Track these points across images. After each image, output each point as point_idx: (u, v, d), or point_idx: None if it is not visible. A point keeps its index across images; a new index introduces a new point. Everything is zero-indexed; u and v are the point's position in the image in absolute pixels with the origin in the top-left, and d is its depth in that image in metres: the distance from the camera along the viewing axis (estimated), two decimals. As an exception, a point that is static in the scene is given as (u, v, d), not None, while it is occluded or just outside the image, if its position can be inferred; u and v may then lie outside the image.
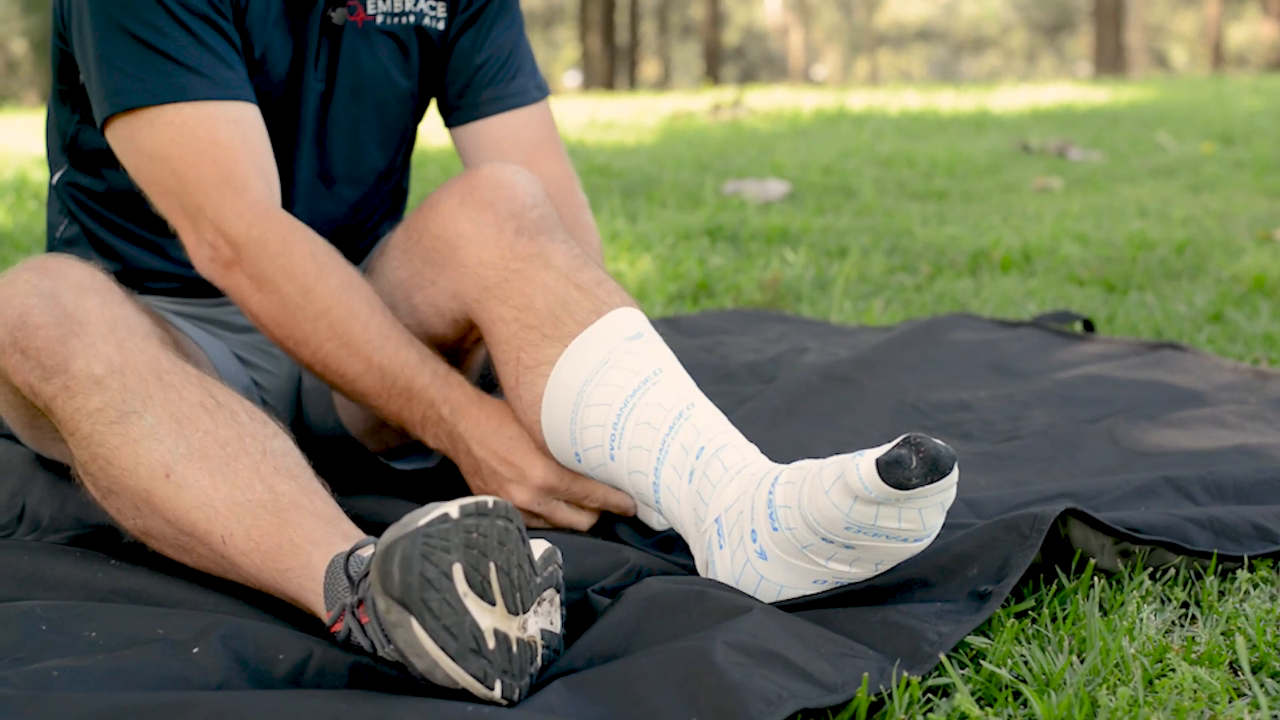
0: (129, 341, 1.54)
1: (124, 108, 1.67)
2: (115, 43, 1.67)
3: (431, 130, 9.33)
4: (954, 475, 1.38)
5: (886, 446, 1.38)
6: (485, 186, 1.74)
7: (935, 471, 1.36)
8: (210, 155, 1.67)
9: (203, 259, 1.70)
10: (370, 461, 1.94)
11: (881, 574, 1.49)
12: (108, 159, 1.83)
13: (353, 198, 1.95)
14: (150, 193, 1.72)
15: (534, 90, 2.01)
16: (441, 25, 1.92)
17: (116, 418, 1.48)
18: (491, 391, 2.09)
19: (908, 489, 1.36)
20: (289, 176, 1.86)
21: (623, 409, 1.59)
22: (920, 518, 1.41)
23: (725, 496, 1.52)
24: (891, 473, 1.36)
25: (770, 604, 1.46)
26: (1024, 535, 1.52)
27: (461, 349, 1.88)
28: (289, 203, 1.87)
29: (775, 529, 1.46)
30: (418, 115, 2.01)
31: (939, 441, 1.38)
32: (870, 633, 1.40)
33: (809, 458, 1.52)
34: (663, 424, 1.58)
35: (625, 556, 1.60)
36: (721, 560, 1.51)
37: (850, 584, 1.49)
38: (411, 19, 1.88)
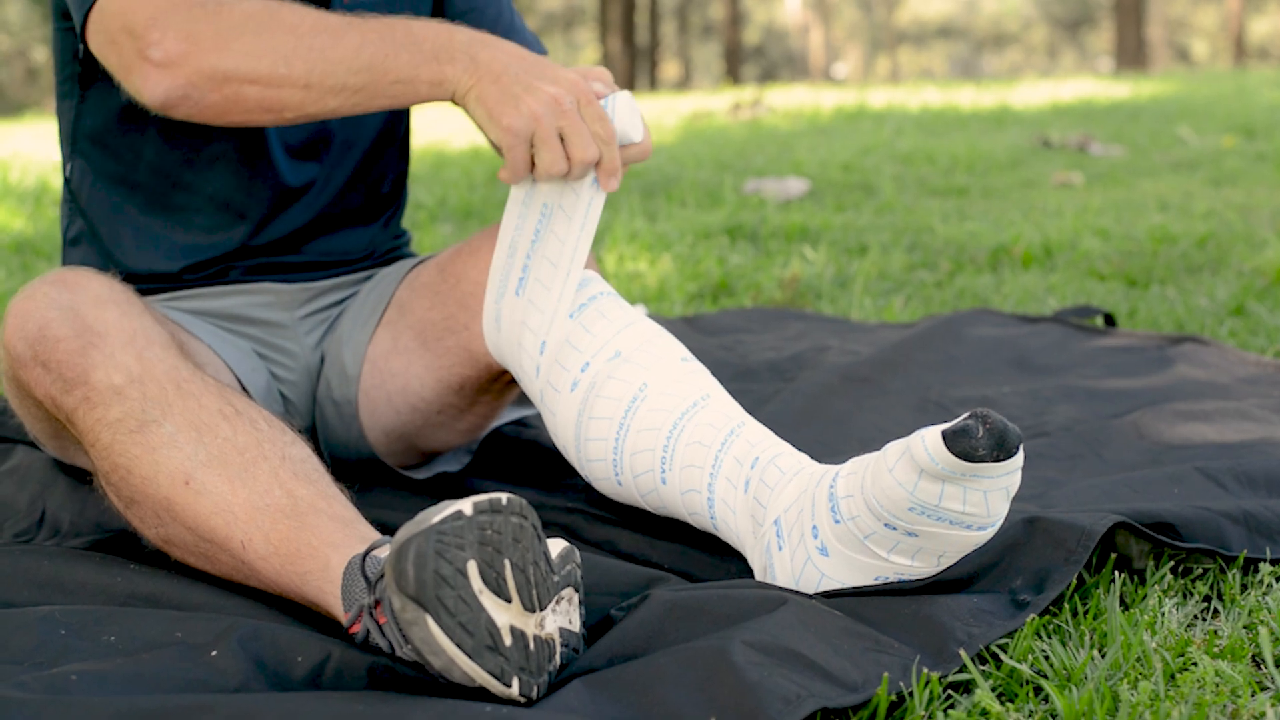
0: (148, 351, 1.54)
1: None
2: None
3: (453, 133, 9.36)
4: (1019, 458, 1.36)
5: (954, 420, 1.37)
6: None
7: (1001, 448, 1.34)
8: None
9: (155, 75, 1.58)
10: (389, 470, 1.94)
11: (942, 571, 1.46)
12: (107, 132, 1.83)
13: (356, 156, 1.94)
14: (107, 52, 1.64)
15: (532, 44, 1.99)
16: None
17: (136, 427, 1.49)
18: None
19: (974, 460, 1.34)
20: (281, 134, 1.86)
21: (672, 431, 1.58)
22: (985, 501, 1.38)
23: (784, 497, 1.50)
24: (958, 442, 1.34)
25: (811, 594, 1.44)
26: (1070, 550, 1.49)
27: (493, 391, 1.90)
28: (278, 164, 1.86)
29: (837, 521, 1.44)
30: None
31: (1006, 419, 1.36)
32: (899, 625, 1.38)
33: (835, 458, 1.50)
34: (714, 442, 1.57)
35: (654, 575, 1.58)
36: (781, 562, 1.49)
37: (912, 580, 1.46)
38: None
